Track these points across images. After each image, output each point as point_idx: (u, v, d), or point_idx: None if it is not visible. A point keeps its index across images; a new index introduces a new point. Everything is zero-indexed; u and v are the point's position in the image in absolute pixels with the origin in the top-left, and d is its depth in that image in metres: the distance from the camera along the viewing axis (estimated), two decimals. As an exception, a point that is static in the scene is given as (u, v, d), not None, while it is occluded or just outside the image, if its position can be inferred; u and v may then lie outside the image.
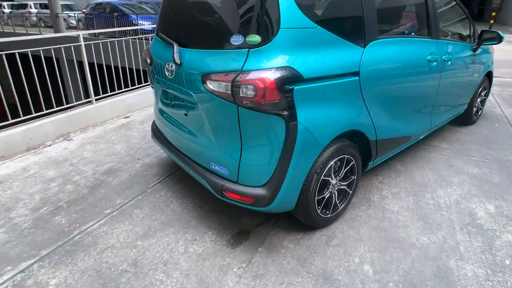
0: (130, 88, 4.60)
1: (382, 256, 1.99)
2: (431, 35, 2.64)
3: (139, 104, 4.58)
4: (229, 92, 1.68)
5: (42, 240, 2.14)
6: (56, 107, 3.69)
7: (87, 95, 3.99)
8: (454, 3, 3.04)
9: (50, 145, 3.54)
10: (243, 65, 1.65)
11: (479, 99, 3.84)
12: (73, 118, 3.77)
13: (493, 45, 3.51)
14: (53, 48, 3.55)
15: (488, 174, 2.86)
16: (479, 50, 3.33)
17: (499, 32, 3.23)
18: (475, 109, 3.82)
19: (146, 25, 11.44)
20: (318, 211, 2.08)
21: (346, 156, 2.09)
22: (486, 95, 4.02)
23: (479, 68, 3.50)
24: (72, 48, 3.89)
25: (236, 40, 1.69)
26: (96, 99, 4.06)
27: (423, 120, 2.86)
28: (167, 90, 2.22)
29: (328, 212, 2.17)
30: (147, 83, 4.78)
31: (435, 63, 2.61)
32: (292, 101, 1.66)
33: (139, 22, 11.44)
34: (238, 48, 1.69)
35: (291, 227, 2.23)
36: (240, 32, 1.70)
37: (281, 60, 1.63)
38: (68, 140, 3.64)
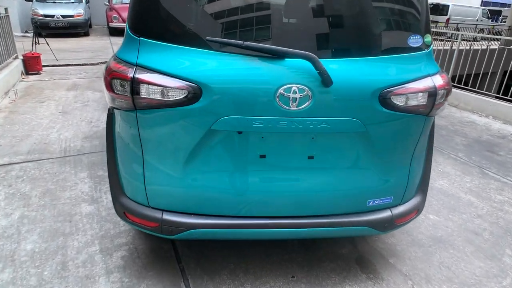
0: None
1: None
2: None
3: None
4: (424, 102, 1.41)
5: None
6: None
7: None
8: None
9: None
10: (428, 70, 1.44)
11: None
12: None
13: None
14: None
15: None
16: None
17: None
18: None
19: None
20: None
21: None
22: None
23: None
24: None
25: (415, 41, 1.41)
26: None
27: None
28: (270, 133, 1.42)
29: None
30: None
31: None
32: None
33: None
34: (417, 50, 1.42)
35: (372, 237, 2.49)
36: (415, 32, 1.42)
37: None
38: None
